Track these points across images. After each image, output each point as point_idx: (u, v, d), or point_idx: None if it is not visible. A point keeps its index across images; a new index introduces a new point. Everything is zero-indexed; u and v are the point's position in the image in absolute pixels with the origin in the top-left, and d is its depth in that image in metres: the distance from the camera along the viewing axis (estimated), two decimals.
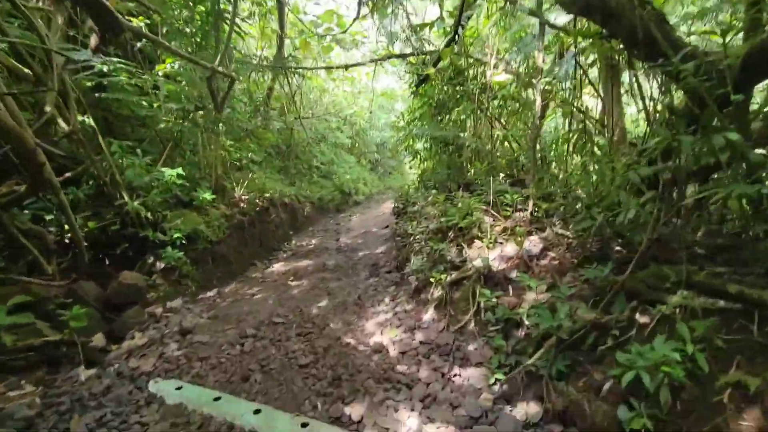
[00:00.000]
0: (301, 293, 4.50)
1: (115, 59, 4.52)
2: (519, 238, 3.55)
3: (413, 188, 8.02)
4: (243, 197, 6.41)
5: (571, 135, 4.31)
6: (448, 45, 4.28)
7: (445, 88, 5.77)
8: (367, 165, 16.71)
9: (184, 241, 4.43)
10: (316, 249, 6.93)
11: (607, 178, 3.01)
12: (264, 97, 8.81)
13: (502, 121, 6.16)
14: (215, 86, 4.23)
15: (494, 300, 3.13)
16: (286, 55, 7.50)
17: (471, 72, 5.83)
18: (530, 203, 3.31)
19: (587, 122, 4.37)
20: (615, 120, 4.22)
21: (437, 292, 3.55)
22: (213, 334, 3.42)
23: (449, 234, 4.21)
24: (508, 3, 4.86)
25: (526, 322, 2.85)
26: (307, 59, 8.05)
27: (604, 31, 2.93)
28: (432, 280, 3.61)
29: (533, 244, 3.55)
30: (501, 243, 3.79)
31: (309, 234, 8.36)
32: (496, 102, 6.19)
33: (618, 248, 3.19)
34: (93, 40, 3.87)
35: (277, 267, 5.83)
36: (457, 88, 5.69)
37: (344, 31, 6.73)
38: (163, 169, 4.54)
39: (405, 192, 7.69)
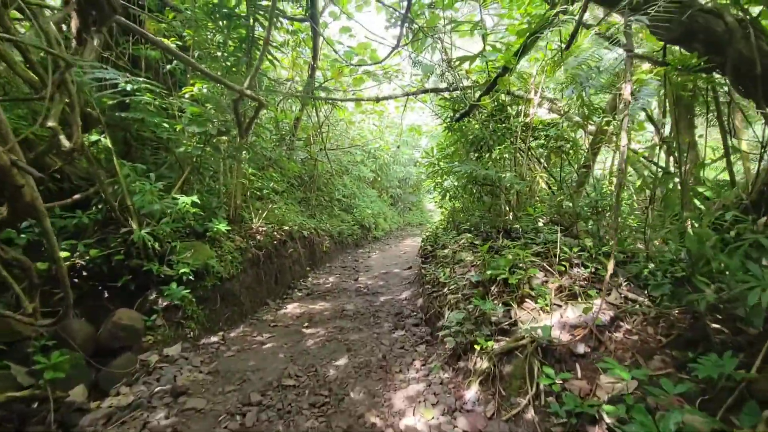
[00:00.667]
0: (316, 345, 3.91)
1: (141, 79, 4.31)
2: (587, 303, 2.93)
3: (441, 228, 7.49)
4: (261, 229, 6.00)
5: (639, 181, 3.76)
6: (503, 74, 3.88)
7: (484, 124, 5.35)
8: (388, 200, 16.36)
9: (191, 277, 3.97)
10: (334, 289, 6.38)
11: (707, 238, 2.43)
12: (291, 127, 8.62)
13: (543, 162, 5.67)
14: (241, 111, 3.91)
15: (559, 382, 2.50)
16: (316, 85, 7.31)
17: (513, 109, 5.43)
18: (611, 262, 2.72)
19: (653, 166, 3.83)
20: (688, 165, 3.67)
21: (482, 363, 2.92)
22: (211, 398, 2.85)
23: (492, 288, 3.62)
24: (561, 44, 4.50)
25: (607, 420, 2.20)
26: (337, 91, 7.86)
27: (701, 63, 2.45)
28: (476, 346, 3.00)
29: (600, 310, 2.93)
30: (559, 306, 3.17)
31: (327, 271, 7.84)
32: (537, 142, 5.74)
33: (717, 326, 2.55)
34: (74, 24, 3.52)
35: (291, 309, 5.28)
36: (499, 125, 5.27)
37: (379, 62, 6.49)
38: (178, 195, 4.17)
39: (433, 232, 7.15)
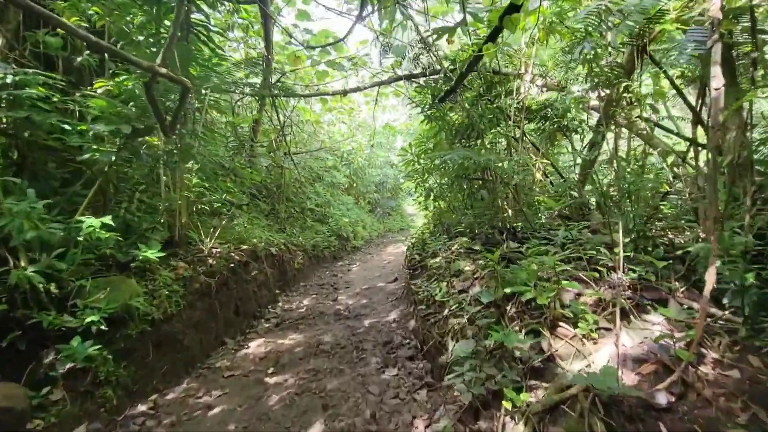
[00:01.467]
0: (281, 404, 2.93)
1: (30, 71, 3.27)
2: (642, 321, 2.09)
3: (428, 233, 6.63)
4: (214, 251, 4.96)
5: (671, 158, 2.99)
6: (510, 12, 3.02)
7: (472, 106, 4.52)
8: (366, 206, 15.43)
9: (104, 327, 2.91)
10: (309, 314, 5.39)
11: None
12: (250, 131, 7.60)
13: (541, 148, 4.90)
14: (156, 97, 2.91)
15: None
16: (273, 80, 6.35)
17: (502, 87, 4.63)
18: (711, 270, 1.88)
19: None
20: (738, 138, 2.91)
21: (517, 427, 2.02)
22: None
23: (508, 309, 2.74)
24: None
25: None
26: (297, 85, 6.92)
27: None
28: (504, 402, 2.09)
29: (695, 344, 2.09)
30: (607, 329, 2.32)
31: (300, 291, 6.82)
32: (531, 125, 4.96)
33: None
34: None
35: (255, 347, 4.26)
36: (489, 106, 4.45)
37: (341, 40, 5.59)
38: (84, 218, 3.12)
39: (419, 238, 6.27)
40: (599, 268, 2.75)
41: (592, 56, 3.40)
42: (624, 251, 2.89)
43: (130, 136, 3.25)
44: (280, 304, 5.95)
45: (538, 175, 4.55)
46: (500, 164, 3.80)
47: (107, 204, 3.64)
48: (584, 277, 2.69)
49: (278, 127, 7.20)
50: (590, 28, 2.92)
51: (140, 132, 3.29)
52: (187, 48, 3.44)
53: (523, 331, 2.50)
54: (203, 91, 5.14)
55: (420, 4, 4.83)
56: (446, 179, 5.52)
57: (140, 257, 3.53)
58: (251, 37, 6.27)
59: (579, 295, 2.63)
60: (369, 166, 14.32)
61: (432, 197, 6.55)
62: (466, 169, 4.96)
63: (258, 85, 6.13)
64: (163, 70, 2.71)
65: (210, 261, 4.69)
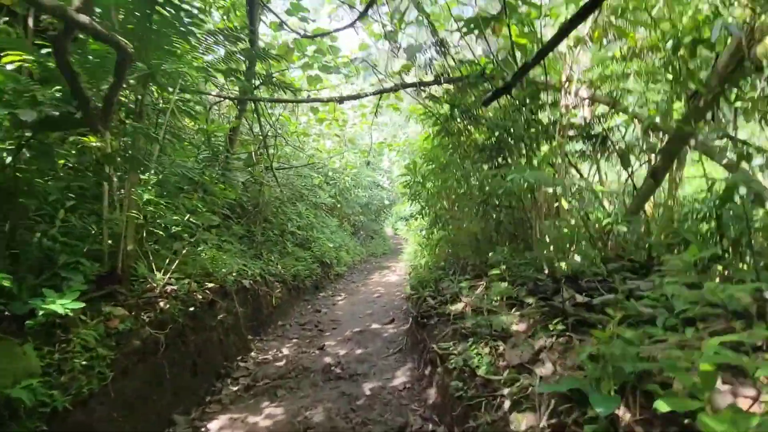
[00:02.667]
0: None
1: None
2: None
3: (433, 267, 5.64)
4: (169, 288, 3.79)
5: None
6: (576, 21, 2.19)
7: (511, 115, 3.65)
8: (349, 228, 14.35)
9: None
10: (290, 371, 4.22)
11: None
12: (225, 140, 6.51)
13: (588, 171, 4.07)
14: (67, 59, 1.85)
15: None
16: (256, 83, 5.35)
17: (546, 96, 3.80)
18: None
19: None
20: None
21: None
22: None
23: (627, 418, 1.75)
24: None
25: None
26: (285, 92, 5.93)
27: None
28: None
29: None
30: None
31: (278, 334, 5.63)
32: (574, 146, 4.16)
33: None
34: None
35: (215, 429, 3.08)
36: (535, 117, 3.60)
37: (342, 29, 4.68)
38: None
39: (425, 275, 5.27)
40: None
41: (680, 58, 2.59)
42: None
43: (37, 128, 2.13)
44: (253, 353, 4.75)
45: (607, 204, 3.70)
46: (559, 188, 2.91)
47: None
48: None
49: (260, 137, 6.14)
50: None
51: (55, 122, 2.18)
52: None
53: None
54: (170, 89, 4.10)
55: None
56: (464, 205, 4.59)
57: (48, 308, 2.35)
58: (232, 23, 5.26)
59: (734, 394, 1.68)
60: (355, 186, 13.32)
61: (440, 225, 5.62)
62: (493, 194, 4.07)
63: (240, 76, 5.07)
64: (84, 18, 1.65)
65: (161, 304, 3.51)
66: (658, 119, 3.50)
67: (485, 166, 4.17)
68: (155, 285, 3.71)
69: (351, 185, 12.67)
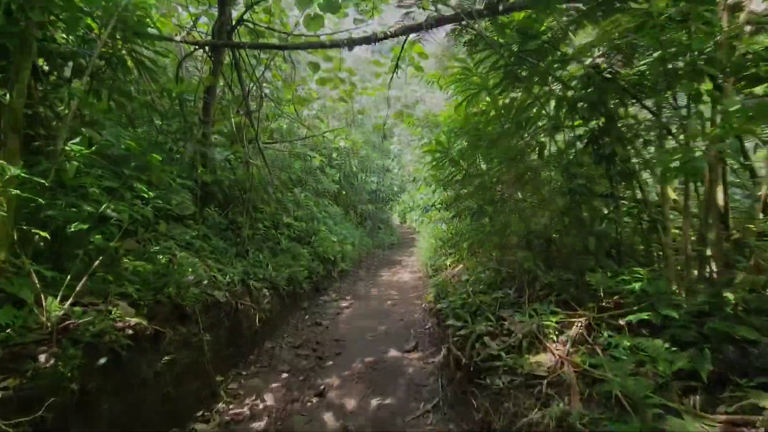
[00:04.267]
0: None
1: None
2: None
3: (463, 279, 4.16)
4: (75, 323, 2.35)
5: None
6: None
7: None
8: (356, 218, 12.85)
9: None
10: None
11: None
12: (196, 104, 4.99)
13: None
14: None
15: None
16: (233, 20, 3.78)
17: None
18: None
19: None
20: None
21: None
22: None
23: None
24: None
25: None
26: (274, 37, 4.37)
27: None
28: None
29: None
30: None
31: (263, 365, 4.19)
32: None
33: None
34: None
35: None
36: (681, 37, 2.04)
37: None
38: None
39: (448, 283, 3.80)
40: None
41: None
42: None
43: None
44: (220, 404, 3.30)
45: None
46: None
47: None
48: None
49: (241, 98, 4.60)
50: None
51: None
52: None
53: None
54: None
55: None
56: (532, 194, 3.06)
57: None
58: None
59: None
60: (362, 171, 11.75)
61: (464, 216, 4.12)
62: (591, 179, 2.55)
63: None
64: None
65: (41, 359, 2.05)
66: None
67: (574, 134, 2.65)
68: (47, 318, 2.26)
69: (358, 169, 11.09)
